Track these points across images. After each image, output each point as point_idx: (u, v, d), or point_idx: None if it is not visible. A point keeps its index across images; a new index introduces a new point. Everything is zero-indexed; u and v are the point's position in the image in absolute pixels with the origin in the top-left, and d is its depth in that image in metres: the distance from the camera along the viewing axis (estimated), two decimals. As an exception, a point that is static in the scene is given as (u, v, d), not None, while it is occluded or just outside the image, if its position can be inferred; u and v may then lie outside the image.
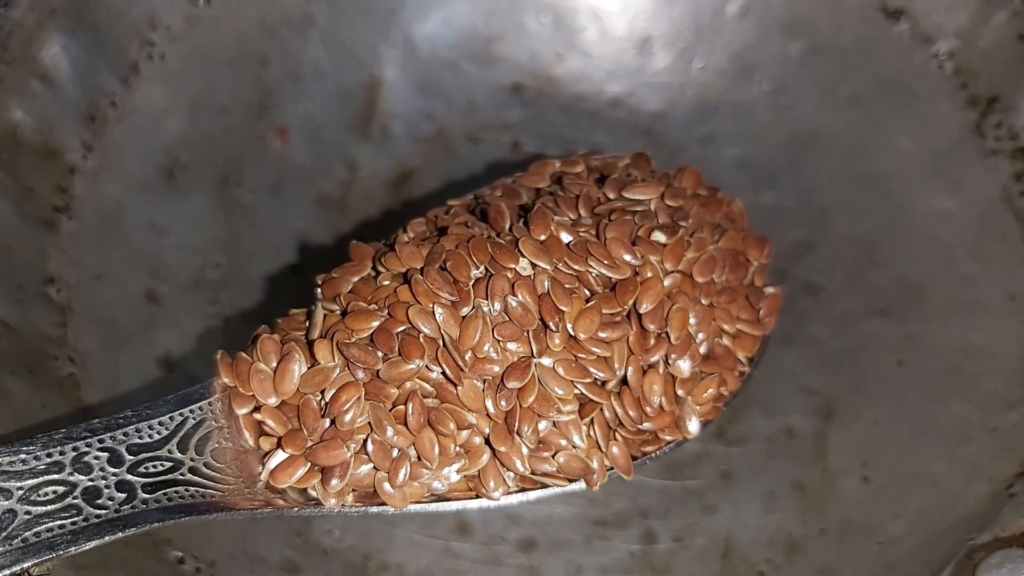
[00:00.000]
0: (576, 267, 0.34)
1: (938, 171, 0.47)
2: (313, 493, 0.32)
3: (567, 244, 0.35)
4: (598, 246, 0.35)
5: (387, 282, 0.34)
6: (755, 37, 0.51)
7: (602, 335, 0.34)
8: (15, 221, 0.39)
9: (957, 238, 0.46)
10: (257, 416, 0.32)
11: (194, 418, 0.32)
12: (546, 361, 0.33)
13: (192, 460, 0.31)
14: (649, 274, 0.35)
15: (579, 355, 0.34)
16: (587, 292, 0.34)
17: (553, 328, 0.33)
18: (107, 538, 0.29)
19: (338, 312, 0.33)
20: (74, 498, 0.29)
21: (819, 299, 0.47)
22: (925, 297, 0.45)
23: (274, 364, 0.32)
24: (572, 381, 0.33)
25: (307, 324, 0.34)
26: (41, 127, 0.40)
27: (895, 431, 0.43)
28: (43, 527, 0.29)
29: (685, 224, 0.37)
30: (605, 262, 0.34)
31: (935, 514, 0.39)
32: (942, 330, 0.44)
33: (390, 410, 0.32)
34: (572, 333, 0.33)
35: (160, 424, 0.31)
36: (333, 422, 0.32)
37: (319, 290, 0.35)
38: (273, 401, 0.32)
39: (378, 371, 0.32)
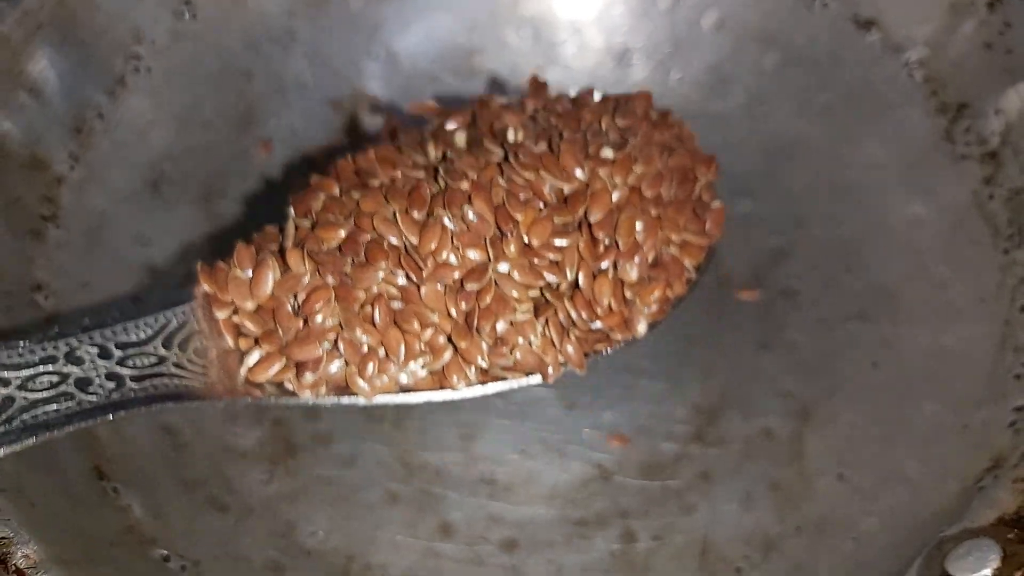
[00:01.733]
0: (528, 176, 0.37)
1: (910, 178, 0.48)
2: (289, 386, 0.35)
3: (519, 158, 0.37)
4: (551, 159, 0.37)
5: (355, 195, 0.36)
6: (730, 49, 0.52)
7: (555, 242, 0.37)
8: (3, 230, 0.41)
9: (929, 243, 0.47)
10: (235, 319, 0.35)
11: (177, 320, 0.35)
12: (503, 267, 0.36)
13: (176, 356, 0.34)
14: (598, 187, 0.38)
15: (533, 260, 0.36)
16: (540, 203, 0.37)
17: (509, 236, 0.36)
18: (99, 419, 0.32)
19: (309, 225, 0.36)
20: (67, 386, 0.32)
21: (796, 304, 0.48)
22: (899, 301, 0.47)
23: (250, 272, 0.35)
24: (526, 285, 0.36)
25: (281, 238, 0.37)
26: (28, 138, 0.42)
27: (870, 432, 0.44)
28: (39, 411, 0.31)
29: (633, 141, 0.40)
30: (557, 175, 0.37)
31: (907, 510, 0.40)
32: (915, 333, 0.45)
33: (358, 312, 0.35)
34: (527, 241, 0.36)
35: (146, 324, 0.34)
36: (306, 322, 0.35)
37: (291, 208, 0.37)
38: (250, 305, 0.35)
39: (347, 275, 0.35)
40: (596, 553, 0.42)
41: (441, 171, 0.37)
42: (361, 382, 0.35)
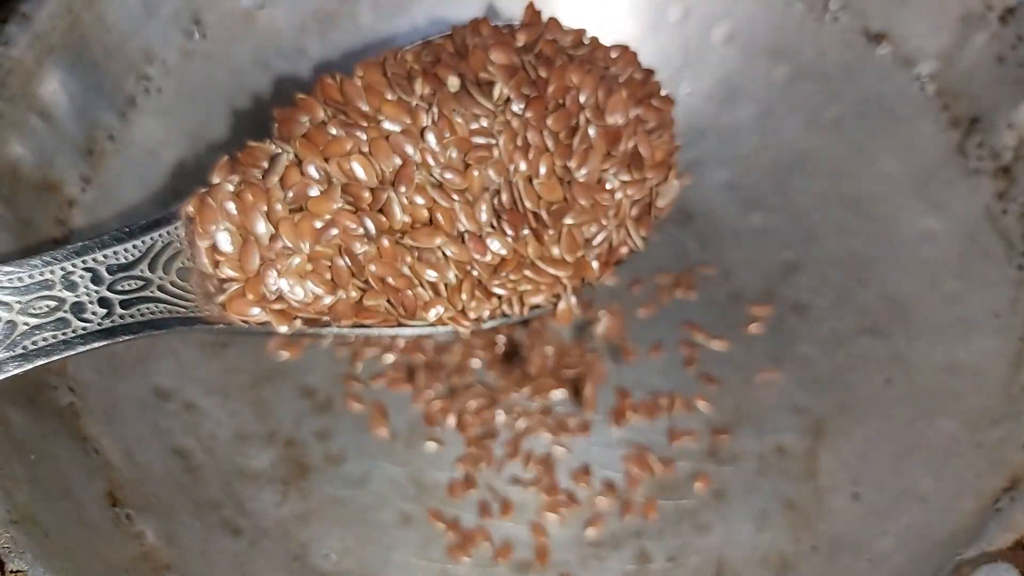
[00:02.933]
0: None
1: (922, 191, 0.48)
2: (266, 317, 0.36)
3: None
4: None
5: (334, 131, 0.36)
6: (741, 62, 0.52)
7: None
8: (15, 255, 0.40)
9: (942, 257, 0.47)
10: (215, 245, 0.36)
11: (162, 241, 0.35)
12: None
13: (160, 279, 0.35)
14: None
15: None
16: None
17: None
18: (94, 345, 0.33)
19: (291, 154, 0.36)
20: (63, 312, 0.33)
21: (807, 319, 0.48)
22: (911, 316, 0.46)
23: (231, 204, 0.36)
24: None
25: (265, 164, 0.37)
26: (40, 161, 0.41)
27: (884, 448, 0.43)
28: (39, 336, 0.32)
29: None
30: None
31: (923, 530, 0.40)
32: (928, 348, 0.45)
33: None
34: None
35: (134, 247, 0.35)
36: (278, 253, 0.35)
37: (275, 127, 0.38)
38: (226, 236, 0.36)
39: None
40: (610, 574, 0.41)
41: (427, 122, 0.36)
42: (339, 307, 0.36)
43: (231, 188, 0.36)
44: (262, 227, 0.35)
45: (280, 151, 0.37)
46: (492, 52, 0.38)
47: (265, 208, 0.35)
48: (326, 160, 0.36)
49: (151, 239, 0.35)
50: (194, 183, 0.46)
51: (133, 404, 0.41)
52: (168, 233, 0.36)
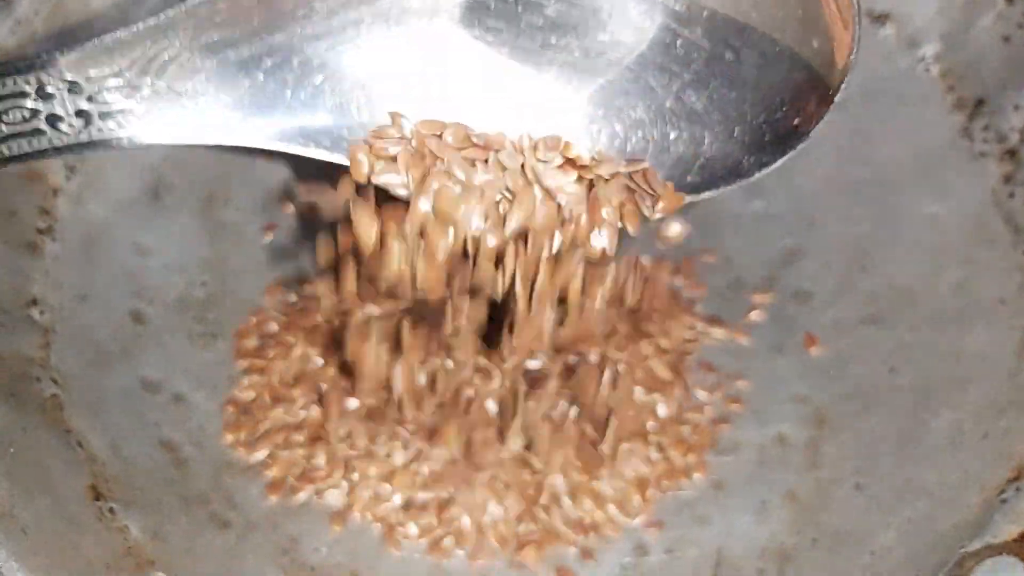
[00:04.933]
0: None
1: (926, 176, 0.47)
2: None
3: None
4: None
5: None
6: (741, 45, 0.50)
7: None
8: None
9: (947, 243, 0.45)
10: None
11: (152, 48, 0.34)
12: None
13: (149, 87, 0.34)
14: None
15: None
16: None
17: None
18: (68, 153, 0.33)
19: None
20: (38, 122, 0.33)
21: (809, 306, 0.46)
22: (916, 303, 0.45)
23: None
24: None
25: None
26: (23, 149, 0.40)
27: (887, 439, 0.42)
28: (14, 143, 0.32)
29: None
30: None
31: (926, 523, 0.39)
32: (933, 336, 0.44)
33: None
34: None
35: (119, 54, 0.33)
36: None
37: None
38: None
39: None
40: (607, 567, 0.40)
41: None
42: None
43: None
44: None
45: None
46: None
47: None
48: None
49: (140, 43, 0.34)
50: (182, 172, 0.46)
51: (119, 396, 0.40)
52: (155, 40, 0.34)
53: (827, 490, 0.41)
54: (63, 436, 0.37)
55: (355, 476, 0.40)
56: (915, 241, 0.46)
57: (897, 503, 0.40)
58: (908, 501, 0.40)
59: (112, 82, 0.33)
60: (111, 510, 0.36)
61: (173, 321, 0.43)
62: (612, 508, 0.41)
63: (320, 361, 0.42)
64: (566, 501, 0.40)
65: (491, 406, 0.41)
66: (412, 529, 0.40)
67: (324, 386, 0.42)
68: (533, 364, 0.42)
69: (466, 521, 0.40)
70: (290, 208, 0.48)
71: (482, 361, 0.41)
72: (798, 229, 0.48)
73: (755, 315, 0.46)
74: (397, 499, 0.40)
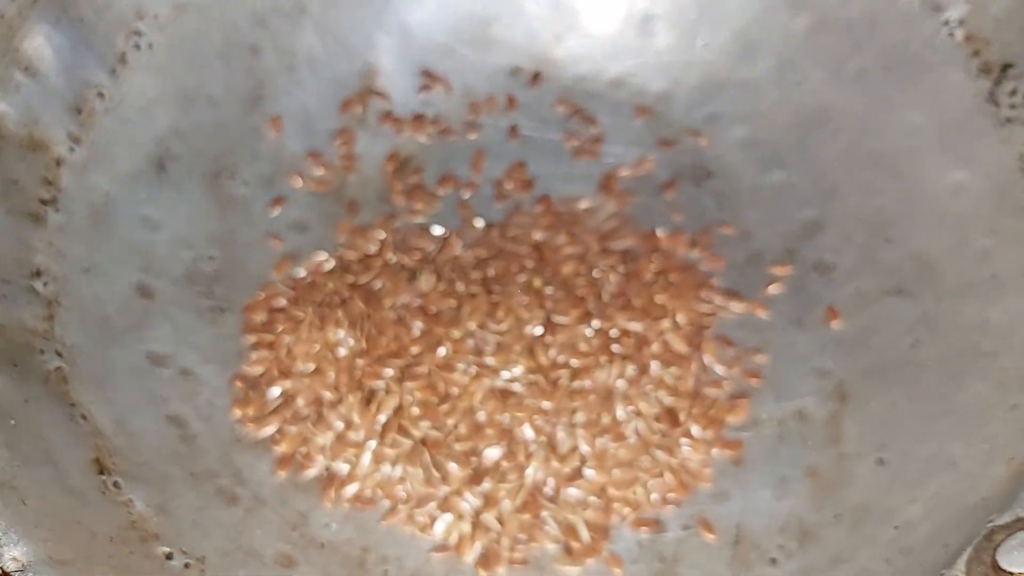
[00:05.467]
0: None
1: (950, 144, 0.45)
2: None
3: None
4: None
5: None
6: (758, 13, 0.49)
7: None
8: (0, 214, 0.38)
9: (972, 212, 0.44)
10: None
11: None
12: None
13: None
14: None
15: None
16: None
17: None
18: None
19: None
20: None
21: (831, 279, 0.45)
22: (940, 274, 0.43)
23: None
24: None
25: None
26: (25, 119, 0.39)
27: (911, 413, 0.41)
28: None
29: None
30: None
31: (953, 497, 0.37)
32: (957, 308, 0.42)
33: None
34: None
35: None
36: None
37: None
38: None
39: None
40: (623, 543, 0.39)
41: None
42: None
43: None
44: None
45: None
46: None
47: None
48: None
49: None
50: (188, 144, 0.45)
51: (125, 370, 0.39)
52: None
53: (849, 465, 0.40)
54: (67, 409, 0.36)
55: (361, 453, 0.39)
56: (939, 211, 0.45)
57: (922, 477, 0.39)
58: (933, 475, 0.38)
59: None
60: (115, 484, 0.35)
61: (181, 295, 0.42)
62: (628, 484, 0.40)
63: (330, 335, 0.41)
64: (587, 472, 0.39)
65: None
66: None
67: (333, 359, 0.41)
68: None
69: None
70: (299, 182, 0.47)
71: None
72: (818, 200, 0.47)
73: (774, 288, 0.45)
74: (399, 471, 0.39)
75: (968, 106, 0.45)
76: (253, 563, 0.36)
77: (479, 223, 0.46)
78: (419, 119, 0.49)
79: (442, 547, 0.38)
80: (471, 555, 0.38)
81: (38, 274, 0.39)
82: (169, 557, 0.34)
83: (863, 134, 0.47)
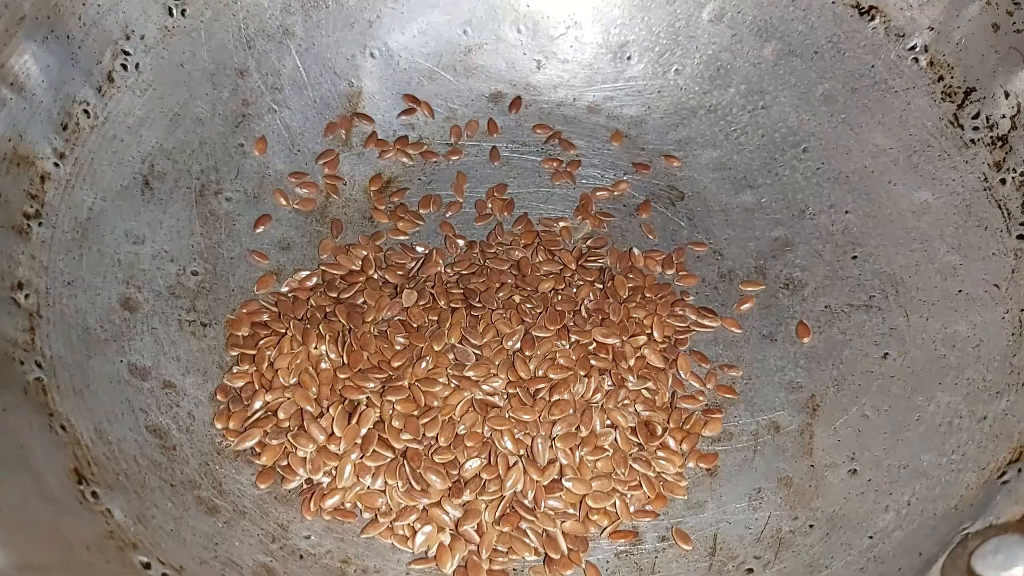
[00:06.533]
0: None
1: (916, 165, 0.45)
2: None
3: None
4: None
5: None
6: (729, 41, 0.48)
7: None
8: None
9: (937, 230, 0.43)
10: None
11: None
12: None
13: None
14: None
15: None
16: None
17: None
18: None
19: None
20: None
21: (801, 296, 0.44)
22: (907, 290, 0.43)
23: None
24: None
25: None
26: (11, 134, 0.38)
27: (882, 424, 0.40)
28: None
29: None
30: None
31: (926, 505, 0.36)
32: (925, 322, 0.42)
33: None
34: None
35: None
36: None
37: None
38: None
39: None
40: (600, 554, 0.38)
41: None
42: None
43: None
44: None
45: None
46: None
47: None
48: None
49: None
50: (174, 162, 0.43)
51: (106, 381, 0.38)
52: None
53: (822, 475, 0.39)
54: (46, 419, 0.35)
55: (342, 465, 0.38)
56: (905, 229, 0.44)
57: (894, 486, 0.38)
58: (905, 484, 0.37)
59: None
60: (94, 493, 0.34)
61: (164, 309, 0.41)
62: (606, 495, 0.38)
63: (312, 349, 0.40)
64: (566, 484, 0.38)
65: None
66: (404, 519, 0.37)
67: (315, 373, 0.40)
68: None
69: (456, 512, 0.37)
70: (283, 201, 0.45)
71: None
72: (787, 220, 0.46)
73: (746, 305, 0.44)
74: (379, 484, 0.38)
75: (932, 129, 0.44)
76: (232, 573, 0.34)
77: (460, 242, 0.45)
78: (402, 141, 0.48)
79: (422, 559, 0.37)
80: (451, 567, 0.37)
81: (20, 286, 0.37)
82: (147, 566, 0.33)
83: (830, 155, 0.47)
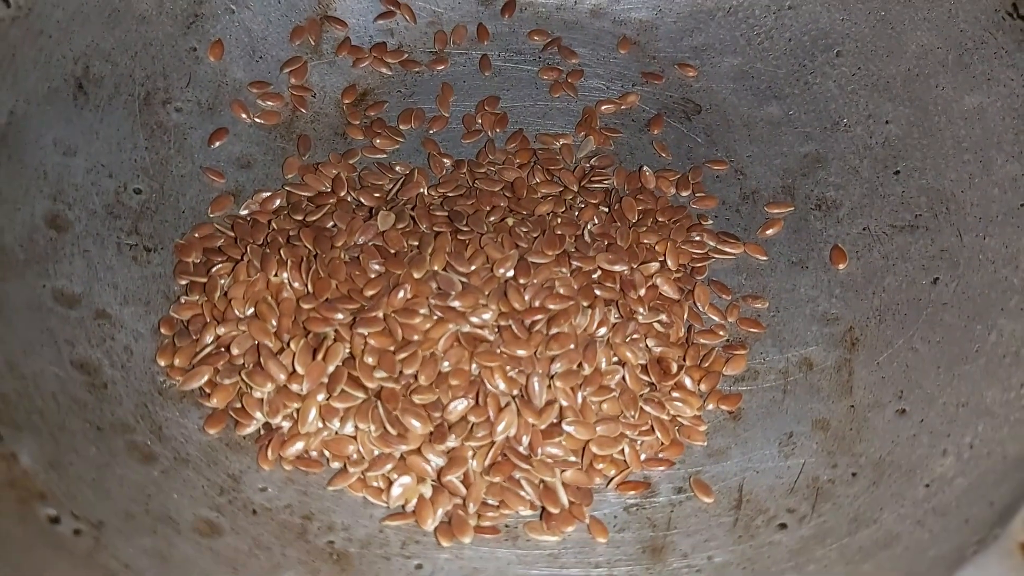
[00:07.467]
0: None
1: (967, 65, 0.39)
2: None
3: None
4: None
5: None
6: (751, -69, 0.43)
7: None
8: None
9: (994, 138, 0.38)
10: None
11: None
12: None
13: None
14: None
15: None
16: None
17: None
18: None
19: None
20: None
21: (835, 217, 0.39)
22: (959, 206, 0.37)
23: None
24: None
25: None
26: None
27: (934, 357, 0.34)
28: None
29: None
30: None
31: (992, 448, 0.31)
32: (983, 241, 0.36)
33: None
34: None
35: None
36: None
37: None
38: None
39: None
40: (608, 508, 0.32)
41: None
42: None
43: None
44: None
45: None
46: None
47: None
48: None
49: None
50: (113, 64, 0.37)
51: (23, 308, 0.32)
52: None
53: (864, 417, 0.34)
54: (-59, 346, 0.29)
55: (306, 407, 0.32)
56: (956, 138, 0.39)
57: (952, 427, 0.32)
58: (965, 425, 0.32)
59: None
60: (-4, 434, 0.28)
61: (99, 229, 0.35)
62: (613, 441, 0.33)
63: (272, 277, 0.34)
64: (567, 428, 0.32)
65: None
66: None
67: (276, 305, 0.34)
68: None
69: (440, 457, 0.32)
70: (242, 114, 0.39)
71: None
72: (819, 133, 0.42)
73: (772, 229, 0.39)
74: (349, 428, 0.32)
75: (987, 22, 0.39)
76: (164, 530, 0.28)
77: (446, 161, 0.39)
78: (379, 48, 0.42)
79: (398, 514, 0.31)
80: (432, 523, 0.31)
81: (-81, 195, 0.31)
82: (55, 520, 0.27)
83: (868, 59, 0.42)
